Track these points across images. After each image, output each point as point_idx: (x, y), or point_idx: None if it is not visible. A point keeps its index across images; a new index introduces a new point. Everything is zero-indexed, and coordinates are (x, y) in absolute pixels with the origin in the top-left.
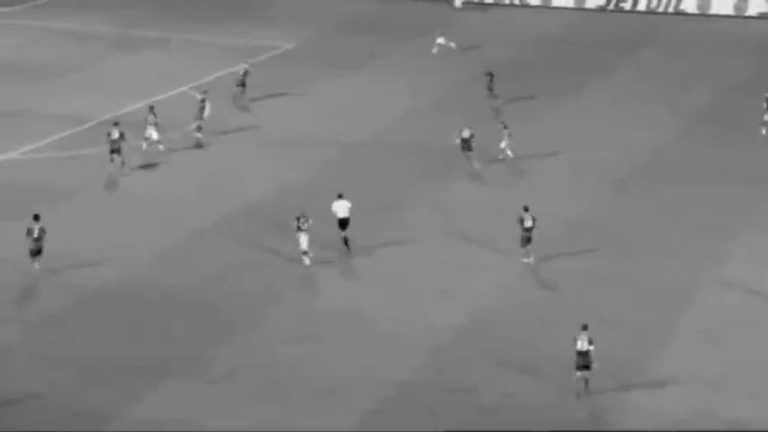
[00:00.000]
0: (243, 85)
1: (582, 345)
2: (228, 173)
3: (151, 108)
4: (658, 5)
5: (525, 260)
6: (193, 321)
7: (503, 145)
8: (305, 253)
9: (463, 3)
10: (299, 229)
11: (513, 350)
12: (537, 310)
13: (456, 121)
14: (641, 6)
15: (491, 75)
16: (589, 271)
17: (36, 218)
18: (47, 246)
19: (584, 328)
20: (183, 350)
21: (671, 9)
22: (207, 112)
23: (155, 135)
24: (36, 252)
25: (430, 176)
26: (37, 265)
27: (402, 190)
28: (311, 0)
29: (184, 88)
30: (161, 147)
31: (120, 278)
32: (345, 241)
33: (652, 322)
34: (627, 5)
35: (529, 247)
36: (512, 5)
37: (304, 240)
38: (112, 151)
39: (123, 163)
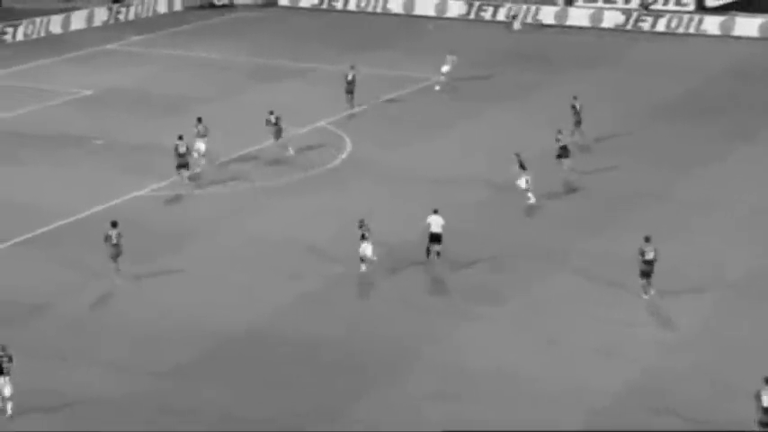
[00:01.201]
0: (351, 92)
1: None
2: (368, 213)
3: (199, 120)
4: None
5: (644, 296)
6: (329, 374)
7: (522, 185)
8: (363, 260)
9: (522, 25)
10: (363, 237)
11: (682, 414)
12: (709, 371)
13: (617, 162)
14: None
15: (575, 107)
16: None
17: (114, 224)
18: (177, 292)
19: None
20: (318, 405)
21: None
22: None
23: (202, 147)
24: (116, 256)
25: (590, 223)
26: (118, 267)
27: (558, 238)
28: (461, 31)
29: (323, 123)
30: (202, 161)
31: (252, 326)
32: (437, 254)
33: None
34: None
35: (648, 281)
36: (686, 35)
37: (367, 248)
38: (180, 166)
39: (187, 178)
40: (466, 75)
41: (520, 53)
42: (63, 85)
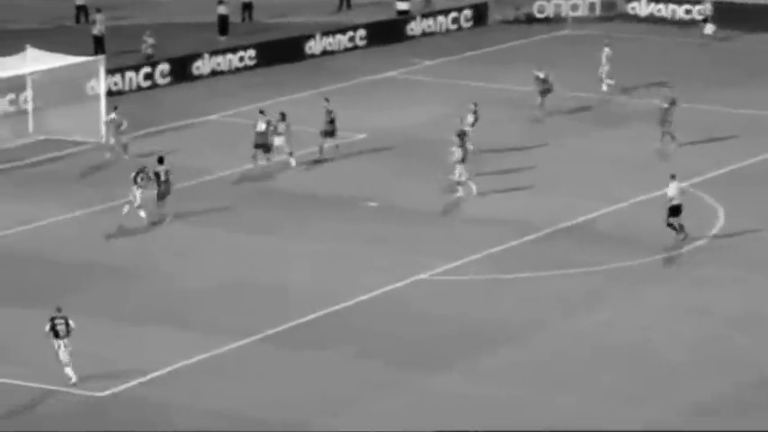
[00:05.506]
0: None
1: None
2: (747, 319)
3: (283, 116)
4: None
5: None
6: None
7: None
8: (138, 207)
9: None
10: (135, 182)
11: None
12: None
13: None
14: None
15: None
16: None
17: (161, 161)
18: (472, 412)
19: None
20: None
21: None
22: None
23: (278, 141)
24: (163, 195)
25: None
26: (164, 211)
27: None
28: None
29: (685, 184)
30: (293, 161)
31: None
32: (681, 228)
33: None
34: None
35: None
36: None
37: (138, 195)
38: (257, 146)
39: (269, 159)
40: None
41: None
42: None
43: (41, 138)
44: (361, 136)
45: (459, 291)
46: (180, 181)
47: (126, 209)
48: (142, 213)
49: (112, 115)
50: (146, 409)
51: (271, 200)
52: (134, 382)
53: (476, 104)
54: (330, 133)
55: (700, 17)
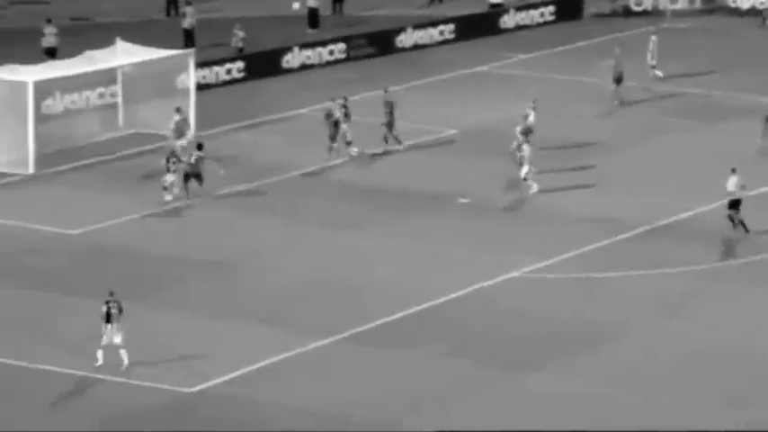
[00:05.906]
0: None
1: None
2: None
3: (345, 99)
4: None
5: None
6: None
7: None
8: (166, 188)
9: None
10: (168, 169)
11: None
12: None
13: None
14: None
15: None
16: None
17: (199, 147)
18: (558, 410)
19: None
20: None
21: None
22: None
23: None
24: (189, 176)
25: None
26: (185, 193)
27: None
28: None
29: None
30: (354, 150)
31: None
32: (742, 223)
33: None
34: None
35: None
36: None
37: (169, 179)
38: (332, 137)
39: (347, 144)
40: None
41: None
42: (418, 122)
43: (131, 131)
44: (453, 131)
45: (550, 289)
46: (267, 176)
47: (168, 197)
48: (168, 197)
49: (176, 117)
50: (233, 406)
51: (356, 196)
52: (221, 379)
53: (535, 101)
54: (389, 125)
55: (762, 7)
